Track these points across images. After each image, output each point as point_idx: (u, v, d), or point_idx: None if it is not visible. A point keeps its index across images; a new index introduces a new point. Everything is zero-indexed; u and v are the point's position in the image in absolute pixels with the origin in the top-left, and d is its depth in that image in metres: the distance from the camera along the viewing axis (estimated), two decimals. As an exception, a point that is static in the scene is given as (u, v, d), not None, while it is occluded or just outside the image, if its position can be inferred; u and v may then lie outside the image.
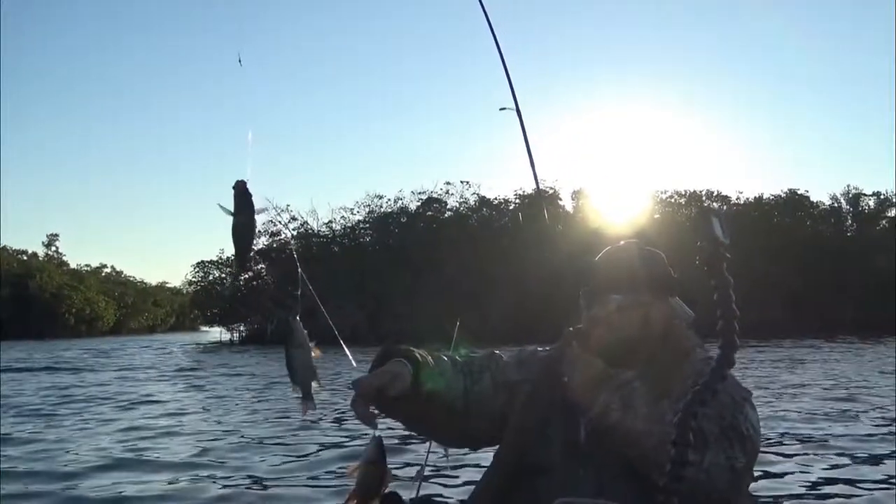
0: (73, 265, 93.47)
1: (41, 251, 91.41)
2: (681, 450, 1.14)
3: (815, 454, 6.78)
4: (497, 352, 2.20)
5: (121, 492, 5.90)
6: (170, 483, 6.20)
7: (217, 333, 57.83)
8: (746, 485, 1.86)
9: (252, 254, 1.80)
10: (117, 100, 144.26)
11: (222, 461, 7.04)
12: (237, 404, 12.11)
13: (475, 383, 2.06)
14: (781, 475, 5.94)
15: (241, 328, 54.99)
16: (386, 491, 1.87)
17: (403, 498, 2.27)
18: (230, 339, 53.70)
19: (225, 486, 6.00)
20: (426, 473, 2.13)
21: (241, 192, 1.81)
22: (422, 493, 2.23)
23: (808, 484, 5.67)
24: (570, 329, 2.11)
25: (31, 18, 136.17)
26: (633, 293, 1.95)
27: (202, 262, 57.12)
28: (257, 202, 1.81)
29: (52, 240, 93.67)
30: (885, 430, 8.03)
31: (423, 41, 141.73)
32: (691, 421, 1.16)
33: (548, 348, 2.16)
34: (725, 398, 1.66)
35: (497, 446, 2.09)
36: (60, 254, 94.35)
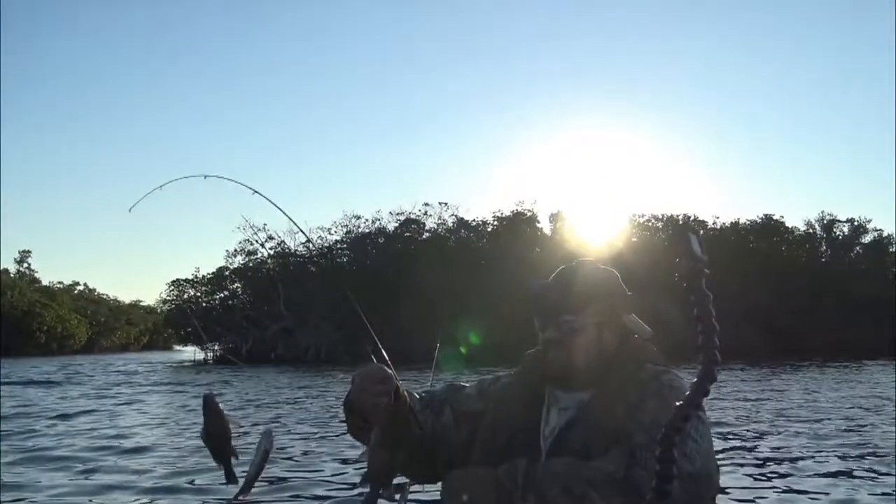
0: (45, 282, 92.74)
1: (13, 267, 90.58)
2: (665, 466, 1.13)
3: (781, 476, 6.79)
4: (458, 383, 2.20)
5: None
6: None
7: (191, 352, 57.29)
8: (707, 501, 1.83)
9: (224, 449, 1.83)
10: (91, 117, 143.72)
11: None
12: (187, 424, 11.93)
13: (437, 417, 2.06)
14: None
15: (216, 347, 54.52)
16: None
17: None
18: (203, 359, 53.21)
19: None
20: (409, 497, 2.10)
21: (211, 407, 1.85)
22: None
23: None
24: (528, 353, 2.12)
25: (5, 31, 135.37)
26: (585, 314, 1.95)
27: (177, 280, 56.79)
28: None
29: (24, 256, 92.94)
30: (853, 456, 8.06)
31: (404, 62, 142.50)
32: (675, 437, 1.14)
33: (510, 373, 2.16)
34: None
35: None
36: (32, 270, 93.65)
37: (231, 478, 1.88)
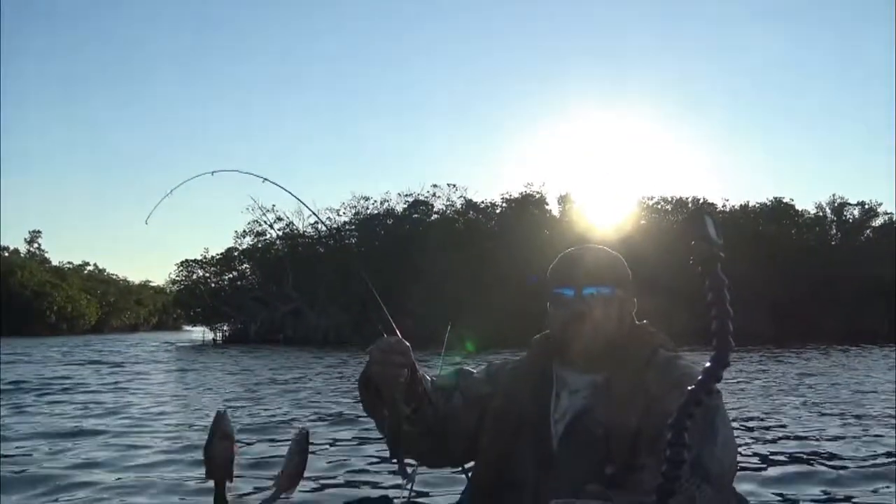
0: (55, 262, 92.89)
1: (23, 248, 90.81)
2: (676, 450, 1.12)
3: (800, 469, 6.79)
4: (466, 367, 2.20)
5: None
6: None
7: (200, 333, 57.54)
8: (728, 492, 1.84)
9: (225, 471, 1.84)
10: (100, 97, 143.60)
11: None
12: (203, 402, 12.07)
13: (447, 400, 2.06)
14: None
15: (225, 328, 54.73)
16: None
17: (394, 502, 2.23)
18: (213, 339, 53.45)
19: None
20: (416, 478, 2.11)
21: (222, 425, 1.84)
22: (412, 498, 2.20)
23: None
24: (537, 336, 2.11)
25: (15, 14, 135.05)
26: (609, 286, 1.95)
27: (186, 261, 56.85)
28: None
29: (34, 236, 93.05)
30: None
31: (414, 43, 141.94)
32: (687, 422, 1.14)
33: (516, 358, 2.16)
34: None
35: (473, 463, 2.08)
36: (42, 251, 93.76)
37: (221, 501, 1.85)
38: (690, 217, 1.25)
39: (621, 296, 1.97)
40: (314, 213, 2.75)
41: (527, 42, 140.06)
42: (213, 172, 2.47)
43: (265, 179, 2.47)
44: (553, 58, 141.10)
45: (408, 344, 1.89)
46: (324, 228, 51.40)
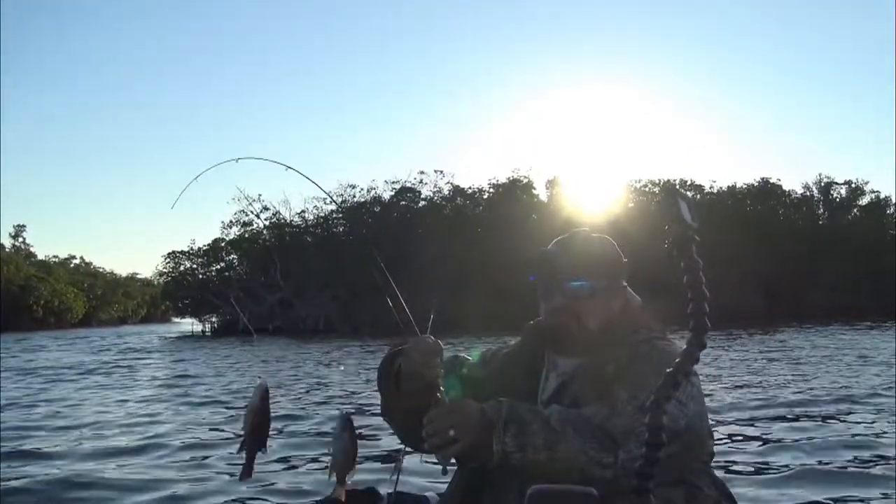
0: (41, 256, 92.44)
1: (8, 242, 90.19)
2: (654, 432, 1.12)
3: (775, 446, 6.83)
4: (461, 354, 2.22)
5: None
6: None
7: (189, 324, 57.34)
8: (698, 463, 1.87)
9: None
10: (83, 88, 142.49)
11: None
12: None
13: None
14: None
15: (213, 319, 54.53)
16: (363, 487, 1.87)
17: (381, 492, 2.23)
18: (202, 331, 53.26)
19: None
20: (402, 467, 2.12)
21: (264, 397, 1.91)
22: (399, 487, 2.20)
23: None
24: (531, 323, 2.13)
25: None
26: (592, 279, 1.96)
27: (173, 252, 56.57)
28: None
29: (18, 231, 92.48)
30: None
31: (398, 28, 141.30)
32: (665, 404, 1.14)
33: (510, 344, 2.19)
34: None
35: None
36: (28, 245, 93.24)
37: (248, 471, 1.89)
38: (664, 200, 1.25)
39: (605, 286, 1.98)
40: (334, 201, 2.71)
41: (512, 27, 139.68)
42: (237, 160, 2.44)
43: (288, 167, 2.44)
44: (537, 42, 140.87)
45: (441, 344, 1.90)
46: (310, 217, 51.22)
